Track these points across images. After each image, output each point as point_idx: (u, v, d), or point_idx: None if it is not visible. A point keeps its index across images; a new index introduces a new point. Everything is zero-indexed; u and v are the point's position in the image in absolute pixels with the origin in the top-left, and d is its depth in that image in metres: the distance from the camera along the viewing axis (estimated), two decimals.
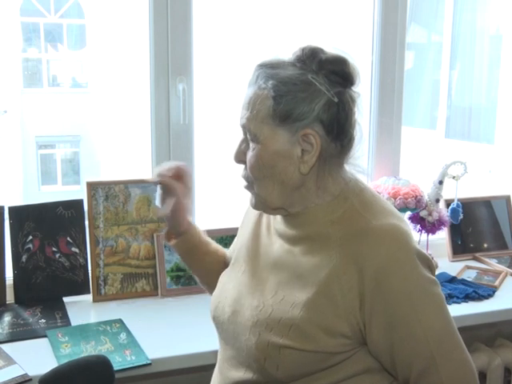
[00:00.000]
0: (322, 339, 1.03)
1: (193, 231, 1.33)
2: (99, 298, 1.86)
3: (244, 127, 1.10)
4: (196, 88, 1.97)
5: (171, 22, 1.90)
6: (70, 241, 1.86)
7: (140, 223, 1.93)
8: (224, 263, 1.34)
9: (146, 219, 1.93)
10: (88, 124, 10.67)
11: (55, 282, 1.83)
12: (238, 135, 1.14)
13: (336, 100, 1.05)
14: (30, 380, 1.37)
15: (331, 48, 1.09)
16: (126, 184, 1.93)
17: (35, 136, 10.76)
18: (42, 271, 1.82)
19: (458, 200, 2.19)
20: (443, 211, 2.16)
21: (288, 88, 1.05)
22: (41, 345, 1.55)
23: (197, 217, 2.04)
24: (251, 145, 1.09)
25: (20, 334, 1.61)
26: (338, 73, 1.06)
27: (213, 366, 1.27)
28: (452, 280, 2.01)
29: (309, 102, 1.04)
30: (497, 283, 1.99)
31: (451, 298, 1.86)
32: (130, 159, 7.19)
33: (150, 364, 1.48)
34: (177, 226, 1.32)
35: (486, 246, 2.32)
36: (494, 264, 2.19)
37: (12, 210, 1.81)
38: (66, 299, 1.82)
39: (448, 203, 2.22)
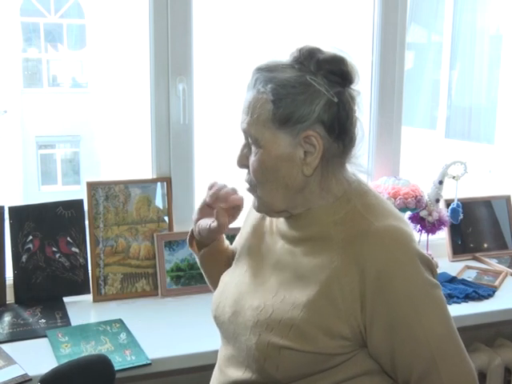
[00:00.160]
0: (322, 340, 1.03)
1: (216, 242, 1.33)
2: (99, 297, 1.86)
3: (245, 132, 1.10)
4: (196, 88, 1.97)
5: (171, 22, 1.90)
6: (70, 241, 1.86)
7: (140, 223, 1.93)
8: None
9: (146, 219, 1.93)
10: (88, 124, 10.67)
11: (55, 282, 1.83)
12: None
13: (336, 100, 1.04)
14: (30, 380, 1.37)
15: (329, 47, 1.09)
16: (126, 184, 1.93)
17: (35, 136, 10.76)
18: (42, 271, 1.82)
19: (458, 200, 2.19)
20: (443, 211, 2.16)
21: (287, 91, 1.04)
22: (41, 345, 1.56)
23: None
24: (253, 149, 1.09)
25: (20, 333, 1.61)
26: (336, 72, 1.06)
27: (213, 366, 1.27)
28: (452, 280, 2.01)
29: (309, 104, 1.04)
30: (497, 283, 1.99)
31: (451, 297, 1.86)
32: (130, 159, 7.19)
33: (150, 364, 1.48)
34: (207, 240, 1.31)
35: (486, 245, 2.32)
36: (494, 264, 2.19)
37: (12, 210, 1.81)
38: (66, 299, 1.82)
39: (448, 203, 2.22)
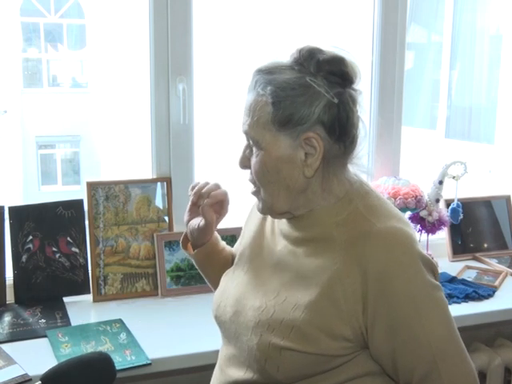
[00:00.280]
0: (324, 342, 1.03)
1: (213, 241, 1.33)
2: (99, 297, 1.86)
3: (246, 134, 1.10)
4: (196, 88, 1.97)
5: (171, 22, 1.90)
6: (70, 241, 1.86)
7: (140, 223, 1.93)
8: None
9: (146, 219, 1.93)
10: (88, 124, 10.67)
11: (55, 282, 1.83)
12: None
13: (336, 101, 1.04)
14: (30, 380, 1.37)
15: (329, 47, 1.09)
16: (126, 184, 1.93)
17: (35, 136, 10.77)
18: (42, 271, 1.82)
19: (458, 200, 2.19)
20: (443, 211, 2.16)
21: (286, 93, 1.04)
22: (41, 345, 1.55)
23: None
24: (254, 151, 1.09)
25: (20, 333, 1.61)
26: (336, 73, 1.05)
27: (213, 366, 1.27)
28: (452, 280, 2.02)
29: (308, 106, 1.04)
30: (497, 283, 1.99)
31: (451, 297, 1.86)
32: (130, 159, 7.19)
33: (150, 364, 1.48)
34: (199, 240, 1.32)
35: (486, 245, 2.32)
36: (494, 264, 2.19)
37: (12, 209, 1.81)
38: (66, 299, 1.82)
39: (448, 203, 2.22)
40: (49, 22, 11.06)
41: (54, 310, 1.74)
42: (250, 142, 1.10)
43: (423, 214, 2.13)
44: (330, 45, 1.09)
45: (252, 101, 1.08)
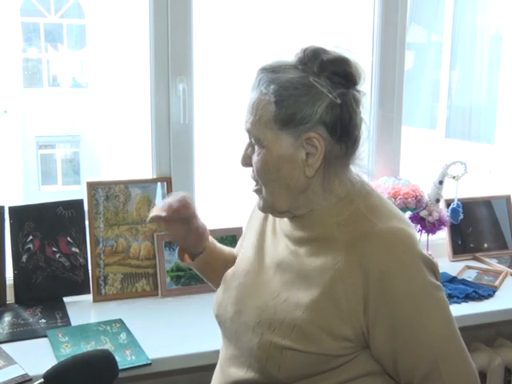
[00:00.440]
0: (325, 341, 1.03)
1: (208, 249, 1.33)
2: (99, 297, 1.86)
3: (248, 131, 1.10)
4: (196, 88, 1.97)
5: (171, 22, 1.90)
6: (70, 241, 1.86)
7: (140, 223, 1.93)
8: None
9: (146, 219, 1.93)
10: (88, 124, 10.67)
11: (55, 282, 1.83)
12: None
13: (339, 101, 1.04)
14: (30, 380, 1.37)
15: (333, 47, 1.08)
16: (126, 184, 1.93)
17: (35, 136, 10.76)
18: (42, 271, 1.82)
19: (458, 200, 2.19)
20: (443, 211, 2.16)
21: (289, 92, 1.04)
22: (41, 345, 1.55)
23: None
24: (256, 149, 1.10)
25: (20, 333, 1.61)
26: (339, 73, 1.05)
27: (213, 366, 1.27)
28: (452, 280, 2.02)
29: (311, 105, 1.04)
30: (497, 283, 1.99)
31: (451, 297, 1.86)
32: (130, 159, 7.19)
33: (150, 364, 1.48)
34: (192, 248, 1.33)
35: (486, 245, 2.32)
36: (494, 264, 2.19)
37: (12, 209, 1.81)
38: (66, 299, 1.82)
39: (448, 203, 2.22)
40: (49, 21, 11.05)
41: (54, 310, 1.74)
42: (252, 140, 1.10)
43: (423, 213, 2.13)
44: (335, 45, 1.09)
45: (255, 99, 1.08)
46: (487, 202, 2.37)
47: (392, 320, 1.02)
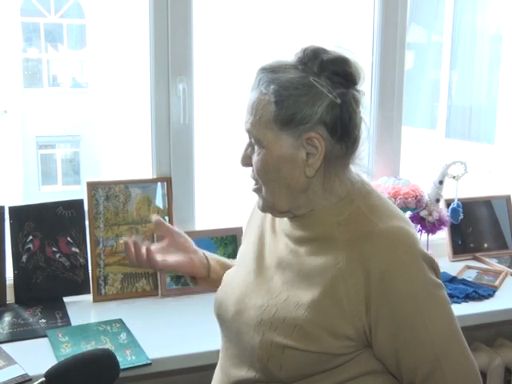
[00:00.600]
0: (326, 340, 1.03)
1: (212, 268, 1.34)
2: (99, 297, 1.86)
3: (248, 132, 1.10)
4: (196, 88, 1.97)
5: (171, 22, 1.90)
6: (70, 241, 1.86)
7: (140, 223, 1.93)
8: None
9: (147, 219, 1.93)
10: (88, 124, 10.67)
11: (55, 282, 1.83)
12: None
13: (339, 101, 1.04)
14: (30, 380, 1.37)
15: (333, 47, 1.08)
16: (126, 184, 1.93)
17: (35, 136, 10.77)
18: (42, 271, 1.82)
19: (459, 200, 2.19)
20: (443, 211, 2.16)
21: (289, 92, 1.04)
22: (41, 345, 1.56)
23: (197, 217, 2.04)
24: (256, 149, 1.09)
25: (20, 333, 1.61)
26: (339, 73, 1.05)
27: (213, 366, 1.27)
28: (452, 280, 2.02)
29: (311, 105, 1.04)
30: (497, 283, 1.99)
31: (451, 297, 1.86)
32: (130, 159, 7.19)
33: (150, 364, 1.48)
34: (192, 274, 1.34)
35: (486, 245, 2.32)
36: (494, 264, 2.19)
37: (12, 209, 1.81)
38: (66, 299, 1.82)
39: (448, 203, 2.22)
40: (49, 21, 11.06)
41: (54, 310, 1.74)
42: (252, 140, 1.10)
43: (423, 213, 2.13)
44: (335, 45, 1.09)
45: (255, 99, 1.08)
46: (487, 202, 2.37)
47: (394, 320, 1.02)
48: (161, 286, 1.89)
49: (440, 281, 1.07)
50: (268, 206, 1.14)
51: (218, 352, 1.26)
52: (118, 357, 1.45)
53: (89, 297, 1.86)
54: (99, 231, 1.89)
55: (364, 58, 2.21)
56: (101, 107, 10.10)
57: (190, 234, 1.94)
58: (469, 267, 2.16)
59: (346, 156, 1.09)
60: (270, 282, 1.14)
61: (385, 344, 1.04)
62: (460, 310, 1.80)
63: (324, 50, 1.07)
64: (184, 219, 1.98)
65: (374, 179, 2.20)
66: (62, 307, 1.77)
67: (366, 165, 1.14)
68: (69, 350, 1.50)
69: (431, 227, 2.14)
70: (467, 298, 1.88)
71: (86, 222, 1.89)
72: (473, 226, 2.32)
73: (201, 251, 1.36)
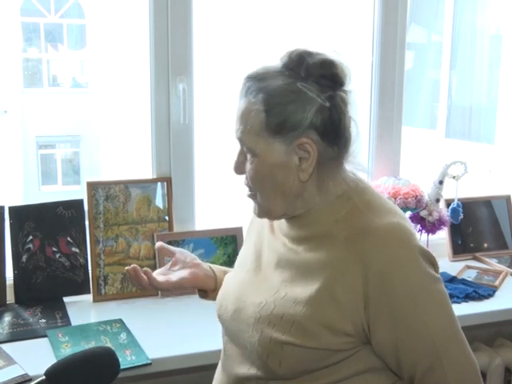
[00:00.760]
0: (324, 336, 1.04)
1: (219, 280, 1.34)
2: (99, 297, 1.86)
3: (240, 140, 1.11)
4: (196, 88, 1.97)
5: (171, 22, 1.90)
6: (70, 241, 1.86)
7: (140, 223, 1.93)
8: None
9: (146, 219, 1.93)
10: (88, 124, 10.67)
11: (55, 282, 1.83)
12: (236, 146, 1.13)
13: (328, 104, 1.04)
14: (30, 380, 1.36)
15: (319, 49, 1.08)
16: (126, 184, 1.93)
17: (35, 136, 10.77)
18: (42, 271, 1.82)
19: (459, 200, 2.19)
20: (443, 211, 2.16)
21: (278, 100, 1.04)
22: (41, 345, 1.56)
23: (197, 217, 2.04)
24: (249, 157, 1.10)
25: (20, 333, 1.61)
26: (327, 76, 1.05)
27: (213, 366, 1.27)
28: (452, 280, 2.02)
29: (301, 111, 1.04)
30: (497, 283, 1.99)
31: (451, 297, 1.86)
32: (130, 159, 7.19)
33: (150, 364, 1.48)
34: (199, 287, 1.35)
35: (486, 245, 2.32)
36: (494, 264, 2.19)
37: (12, 209, 1.81)
38: (66, 299, 1.82)
39: (448, 203, 2.22)
40: (49, 21, 11.05)
41: (54, 310, 1.74)
42: (244, 148, 1.10)
43: (423, 213, 2.13)
44: (320, 46, 1.09)
45: (244, 108, 1.08)
46: (487, 202, 2.37)
47: (392, 316, 1.03)
48: None
49: (438, 275, 1.07)
50: (264, 212, 1.14)
51: (218, 352, 1.26)
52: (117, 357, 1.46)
53: (89, 297, 1.86)
54: (99, 231, 1.89)
55: (364, 58, 2.21)
56: (101, 107, 10.09)
57: (190, 234, 1.96)
58: (469, 267, 2.16)
59: (339, 157, 1.10)
60: (268, 280, 1.14)
61: (384, 341, 1.04)
62: (460, 309, 1.80)
63: (309, 54, 1.07)
64: (184, 219, 1.98)
65: (374, 179, 2.20)
66: (62, 307, 1.77)
67: (359, 162, 1.14)
68: (69, 350, 1.50)
69: (431, 227, 2.14)
70: (467, 297, 1.88)
71: (86, 222, 1.89)
72: (473, 226, 2.32)
73: (206, 264, 1.36)
